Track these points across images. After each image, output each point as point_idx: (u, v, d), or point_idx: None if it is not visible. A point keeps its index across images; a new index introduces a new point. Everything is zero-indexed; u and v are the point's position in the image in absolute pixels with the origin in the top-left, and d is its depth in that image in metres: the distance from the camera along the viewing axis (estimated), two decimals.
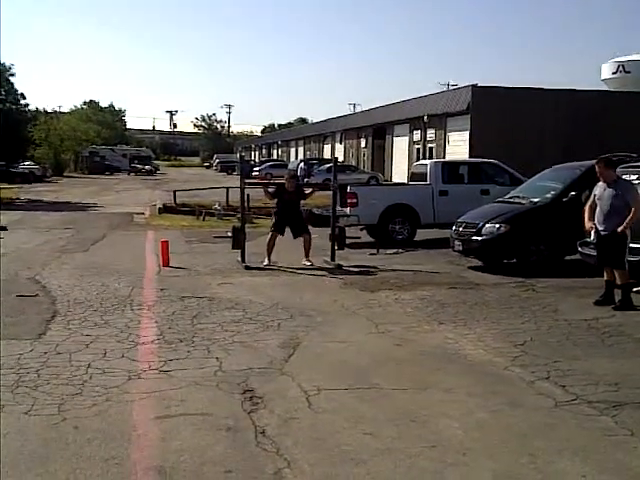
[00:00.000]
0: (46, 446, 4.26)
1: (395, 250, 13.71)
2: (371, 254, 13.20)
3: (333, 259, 12.01)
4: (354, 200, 14.96)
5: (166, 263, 11.59)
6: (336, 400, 5.10)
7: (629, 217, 8.26)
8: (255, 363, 5.98)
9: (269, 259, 11.54)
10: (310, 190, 13.30)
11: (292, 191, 11.95)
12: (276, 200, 12.17)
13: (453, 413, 4.84)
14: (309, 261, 11.58)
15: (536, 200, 11.73)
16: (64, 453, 4.16)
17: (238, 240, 11.84)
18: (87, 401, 4.99)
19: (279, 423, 4.63)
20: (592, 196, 8.87)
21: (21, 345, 6.44)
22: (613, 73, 44.12)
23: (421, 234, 15.50)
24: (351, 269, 11.38)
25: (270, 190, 12.58)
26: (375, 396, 5.22)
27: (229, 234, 12.22)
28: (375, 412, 4.87)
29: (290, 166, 48.39)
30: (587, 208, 8.83)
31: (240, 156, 13.82)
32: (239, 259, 11.78)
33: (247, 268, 11.27)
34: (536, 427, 4.61)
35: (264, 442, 4.31)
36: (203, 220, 21.06)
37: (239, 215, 21.25)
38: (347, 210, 15.06)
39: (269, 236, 11.79)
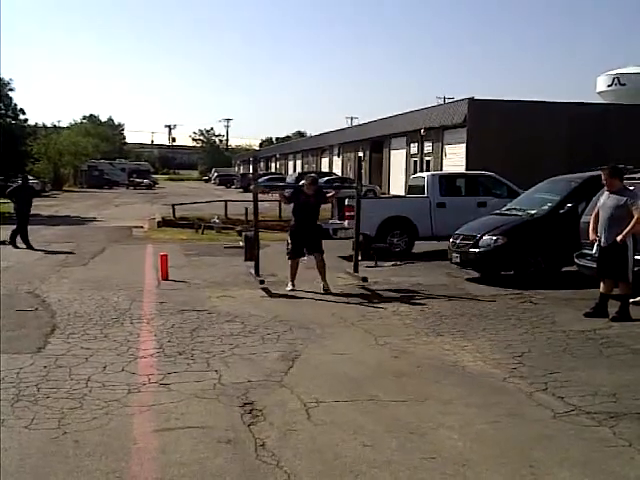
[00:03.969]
0: (46, 460, 4.26)
1: (393, 262, 13.74)
2: (368, 267, 13.22)
3: (356, 270, 11.65)
4: (352, 213, 15.00)
5: (165, 276, 11.61)
6: (335, 412, 5.11)
7: (629, 226, 8.22)
8: (254, 376, 6.00)
9: (292, 283, 10.51)
10: (332, 192, 12.27)
11: (310, 195, 10.73)
12: (292, 206, 10.99)
13: (452, 424, 4.85)
14: (326, 286, 10.39)
15: (533, 212, 11.80)
16: (64, 467, 4.17)
17: (252, 250, 11.06)
18: (87, 415, 5.00)
19: (279, 435, 4.64)
20: (597, 204, 8.81)
21: (21, 359, 6.45)
22: (608, 86, 44.38)
23: (419, 246, 15.54)
24: (378, 289, 10.63)
25: (286, 194, 11.53)
26: (374, 408, 5.23)
27: (241, 244, 11.66)
28: (374, 424, 4.88)
29: (288, 179, 48.51)
30: (592, 217, 8.78)
31: (253, 163, 13.27)
32: (252, 272, 11.23)
33: (262, 283, 10.57)
34: (535, 438, 4.63)
35: (264, 454, 4.33)
36: (202, 233, 21.11)
37: (238, 228, 21.50)
38: (345, 223, 15.11)
39: (289, 263, 10.70)
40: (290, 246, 10.75)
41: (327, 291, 10.25)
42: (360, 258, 11.65)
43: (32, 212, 21.57)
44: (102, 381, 5.80)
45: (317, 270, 10.57)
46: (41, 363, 6.34)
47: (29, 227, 17.03)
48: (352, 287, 10.84)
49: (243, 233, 11.97)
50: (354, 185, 12.42)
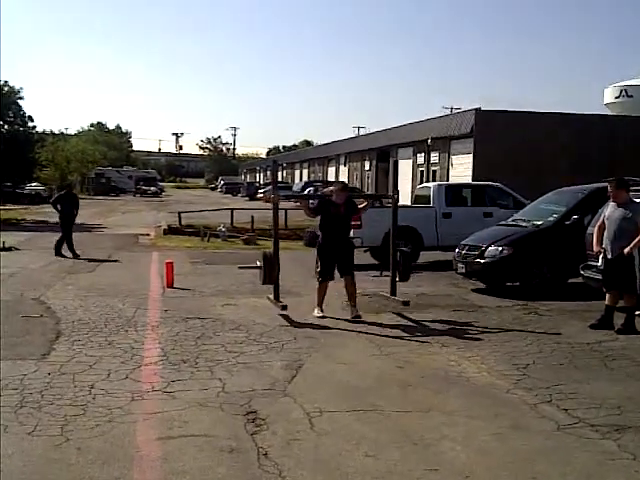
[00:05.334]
0: (49, 467, 4.27)
1: None
2: (374, 276, 13.20)
3: (394, 293, 10.16)
4: (357, 222, 14.96)
5: (170, 284, 11.63)
6: (338, 422, 5.10)
7: (637, 239, 8.19)
8: (258, 384, 5.99)
9: (321, 309, 9.20)
10: (364, 203, 10.42)
11: (340, 204, 9.29)
12: (319, 219, 9.48)
13: (455, 436, 4.84)
14: (356, 312, 9.06)
15: (539, 223, 11.80)
16: (67, 474, 4.17)
17: (271, 272, 9.45)
18: (90, 422, 5.00)
19: (282, 445, 4.64)
20: (601, 217, 8.81)
21: (25, 365, 6.47)
22: (616, 97, 44.31)
23: (424, 256, 15.52)
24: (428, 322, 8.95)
25: (312, 205, 9.85)
26: (377, 418, 5.22)
27: (258, 263, 9.71)
28: (377, 434, 4.87)
29: (295, 188, 48.62)
30: (596, 229, 8.77)
31: (274, 168, 11.34)
32: (270, 297, 9.82)
33: (284, 309, 9.19)
34: (539, 450, 4.61)
35: (266, 464, 4.32)
36: (208, 241, 21.15)
37: (244, 237, 21.51)
38: (350, 232, 15.07)
39: (318, 285, 9.35)
40: (319, 267, 9.32)
41: (357, 318, 8.90)
42: (399, 278, 10.23)
43: (39, 219, 21.56)
44: (106, 388, 5.81)
45: (345, 292, 9.32)
46: (45, 370, 6.36)
47: (37, 233, 17.05)
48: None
49: (262, 252, 10.03)
50: (389, 195, 10.81)
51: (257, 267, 9.79)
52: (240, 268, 11.62)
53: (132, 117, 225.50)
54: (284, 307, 9.23)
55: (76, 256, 16.06)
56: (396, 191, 10.58)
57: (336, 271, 9.40)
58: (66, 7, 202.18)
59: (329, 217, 9.30)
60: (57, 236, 16.83)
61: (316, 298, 9.30)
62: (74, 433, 4.78)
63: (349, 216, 9.50)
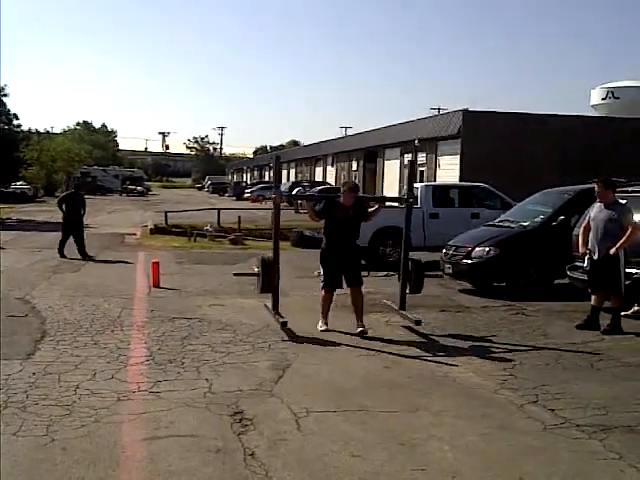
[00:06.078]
0: (34, 467, 4.23)
1: (385, 273, 13.73)
2: (363, 276, 13.16)
3: (403, 307, 9.12)
4: None
5: (157, 284, 11.58)
6: (325, 422, 5.10)
7: (622, 239, 8.26)
8: (245, 385, 5.98)
9: (325, 322, 8.42)
10: (375, 207, 9.20)
11: (348, 207, 8.44)
12: (324, 222, 8.60)
13: (442, 436, 4.84)
14: (362, 326, 8.24)
15: (526, 224, 11.86)
16: (52, 475, 4.14)
17: (269, 279, 8.52)
18: (76, 422, 4.96)
19: (268, 445, 4.62)
20: (587, 217, 8.87)
21: (10, 365, 6.41)
22: (602, 99, 44.60)
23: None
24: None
25: (317, 208, 8.82)
26: (364, 418, 5.22)
27: (256, 269, 8.87)
28: (364, 435, 4.87)
29: (282, 188, 48.55)
30: (582, 230, 8.82)
31: (275, 171, 9.75)
32: (268, 305, 8.93)
33: (284, 325, 8.19)
34: (525, 450, 4.62)
35: (253, 464, 4.30)
36: (194, 241, 21.08)
37: (231, 236, 21.46)
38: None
39: (322, 295, 8.58)
40: (323, 275, 8.57)
41: (364, 333, 8.10)
42: (409, 290, 9.20)
43: (24, 218, 21.26)
44: (91, 388, 5.77)
45: (352, 305, 8.55)
46: (30, 370, 6.30)
47: (22, 233, 16.86)
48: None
49: (260, 257, 8.96)
50: (402, 197, 9.73)
51: (254, 274, 8.89)
52: (235, 275, 10.47)
53: (118, 116, 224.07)
54: (284, 324, 8.21)
55: (63, 256, 15.92)
56: (411, 194, 9.34)
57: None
58: (53, 5, 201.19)
59: (335, 221, 8.42)
60: (40, 235, 16.68)
61: (320, 310, 8.52)
62: (59, 433, 4.74)
63: (358, 220, 8.52)
